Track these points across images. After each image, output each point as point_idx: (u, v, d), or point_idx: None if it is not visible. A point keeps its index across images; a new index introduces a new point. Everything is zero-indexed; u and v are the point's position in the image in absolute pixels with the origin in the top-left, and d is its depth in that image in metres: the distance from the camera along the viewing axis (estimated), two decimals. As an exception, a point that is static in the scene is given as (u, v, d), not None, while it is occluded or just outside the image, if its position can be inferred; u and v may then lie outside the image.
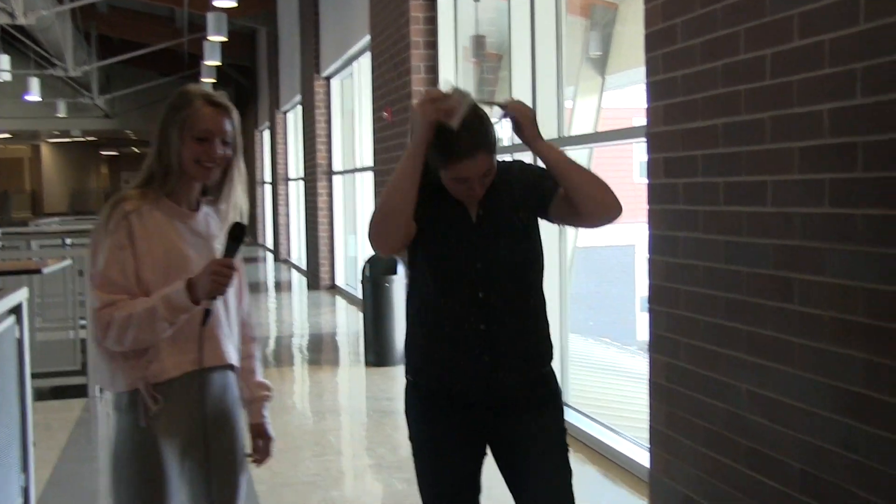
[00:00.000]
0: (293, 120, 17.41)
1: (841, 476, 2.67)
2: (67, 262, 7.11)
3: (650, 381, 3.78)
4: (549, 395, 2.40)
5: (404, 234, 2.23)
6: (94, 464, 4.91)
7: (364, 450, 5.29)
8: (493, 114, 2.27)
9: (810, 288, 2.76)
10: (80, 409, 5.92)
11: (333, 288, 12.76)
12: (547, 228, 2.40)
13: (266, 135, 20.55)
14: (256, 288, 13.73)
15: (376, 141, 8.57)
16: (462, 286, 2.27)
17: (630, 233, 12.46)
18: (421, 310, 2.34)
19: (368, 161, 9.97)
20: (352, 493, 4.50)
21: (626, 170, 13.20)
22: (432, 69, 7.27)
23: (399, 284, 7.27)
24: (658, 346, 3.70)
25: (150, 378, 2.18)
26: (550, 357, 2.41)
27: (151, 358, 2.18)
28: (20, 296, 3.74)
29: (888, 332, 2.48)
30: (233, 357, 2.33)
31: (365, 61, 10.24)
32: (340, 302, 11.55)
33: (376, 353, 7.30)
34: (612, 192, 2.21)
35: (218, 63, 14.71)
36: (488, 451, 2.40)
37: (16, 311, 3.66)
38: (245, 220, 2.30)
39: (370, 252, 8.19)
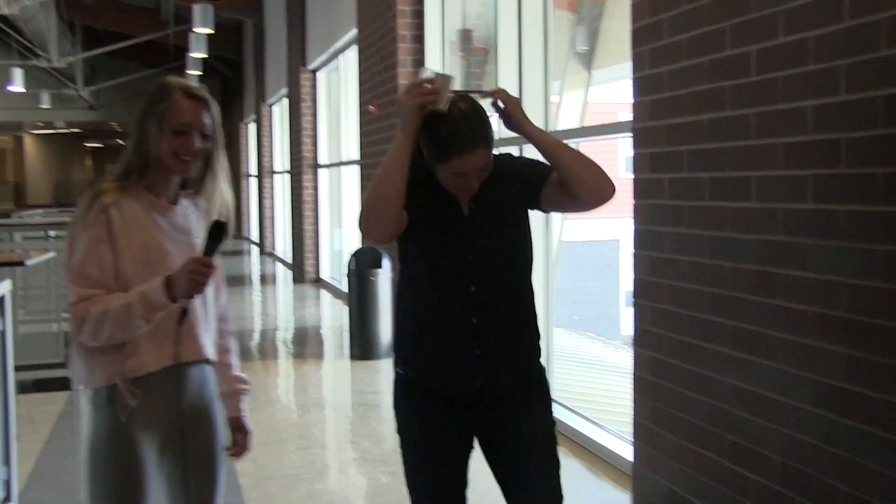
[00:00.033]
0: (279, 113, 17.35)
1: (822, 469, 2.70)
2: (51, 254, 7.06)
3: (634, 375, 3.79)
4: (538, 388, 2.41)
5: (395, 222, 2.22)
6: (77, 457, 4.81)
7: (348, 443, 5.29)
8: (483, 105, 2.27)
9: (793, 283, 2.78)
10: (63, 401, 5.89)
11: (318, 281, 12.75)
12: (532, 222, 2.40)
13: (252, 127, 20.47)
14: (241, 281, 13.68)
15: (362, 135, 8.55)
16: (454, 279, 2.28)
17: (615, 227, 12.50)
18: (413, 303, 2.34)
19: (354, 154, 9.96)
20: (336, 486, 4.50)
21: (611, 165, 13.20)
22: (419, 63, 7.26)
23: (384, 278, 7.26)
24: (642, 341, 3.71)
25: (128, 373, 2.17)
26: (540, 350, 2.42)
27: (129, 353, 2.16)
28: (3, 288, 3.72)
29: (869, 327, 2.50)
30: (210, 352, 2.32)
31: (351, 54, 10.22)
32: (325, 295, 11.54)
33: (361, 347, 7.30)
34: (604, 173, 2.22)
35: (204, 55, 14.59)
36: (476, 444, 2.41)
37: (-2, 303, 3.65)
38: (231, 215, 2.29)
39: (356, 245, 8.19)
